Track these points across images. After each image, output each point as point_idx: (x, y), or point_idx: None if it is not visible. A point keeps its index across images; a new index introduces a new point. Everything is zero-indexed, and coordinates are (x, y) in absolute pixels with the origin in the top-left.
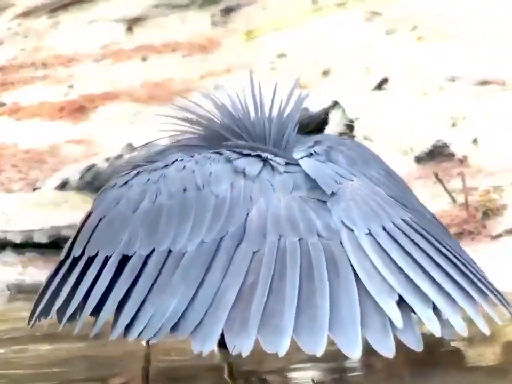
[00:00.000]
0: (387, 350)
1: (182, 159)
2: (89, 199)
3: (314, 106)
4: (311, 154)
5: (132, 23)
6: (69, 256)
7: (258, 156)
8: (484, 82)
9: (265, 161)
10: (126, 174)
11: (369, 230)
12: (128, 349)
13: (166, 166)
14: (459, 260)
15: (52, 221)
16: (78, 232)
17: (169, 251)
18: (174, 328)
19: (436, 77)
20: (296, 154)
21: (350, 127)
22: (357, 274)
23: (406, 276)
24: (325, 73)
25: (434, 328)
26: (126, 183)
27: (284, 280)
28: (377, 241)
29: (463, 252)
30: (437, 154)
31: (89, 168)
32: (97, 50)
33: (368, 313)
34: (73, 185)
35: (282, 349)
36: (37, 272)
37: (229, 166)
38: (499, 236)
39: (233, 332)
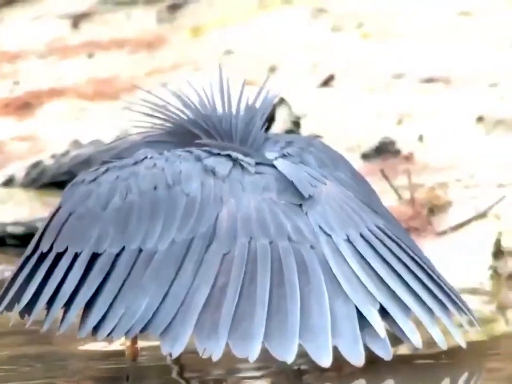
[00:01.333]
0: (357, 358)
1: (152, 157)
2: (35, 196)
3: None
4: (285, 155)
5: (78, 19)
6: (36, 251)
7: (228, 156)
8: (429, 80)
9: (235, 161)
10: (94, 170)
11: (348, 237)
12: (74, 347)
13: (136, 163)
14: (429, 269)
15: None
16: (46, 226)
17: (140, 250)
18: (144, 328)
19: (382, 74)
20: (269, 155)
21: (296, 124)
22: (327, 281)
23: (386, 285)
24: (272, 70)
25: (415, 339)
26: (95, 179)
27: (255, 283)
28: (355, 248)
29: (427, 258)
30: (384, 151)
31: (35, 165)
32: (43, 47)
33: (338, 321)
34: (18, 182)
35: (253, 354)
36: None
37: (199, 165)
38: (444, 232)
39: (203, 335)
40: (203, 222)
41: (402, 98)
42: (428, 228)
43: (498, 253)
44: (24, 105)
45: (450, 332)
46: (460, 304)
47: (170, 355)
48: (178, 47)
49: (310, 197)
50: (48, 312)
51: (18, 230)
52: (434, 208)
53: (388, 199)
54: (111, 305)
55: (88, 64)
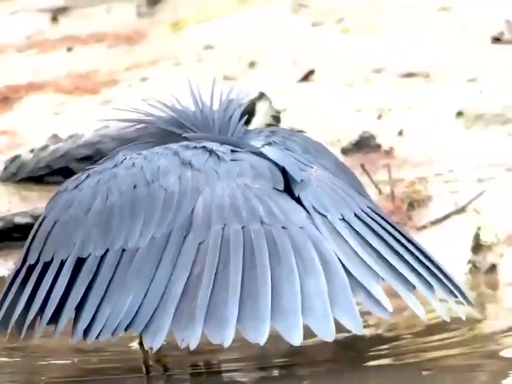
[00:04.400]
0: (328, 335)
1: (131, 157)
2: (13, 190)
3: (241, 97)
4: (270, 143)
5: (57, 13)
6: (24, 264)
7: (204, 147)
8: (409, 74)
9: (211, 151)
10: (76, 177)
11: (342, 216)
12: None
13: (115, 165)
14: (421, 247)
15: None
16: (32, 239)
17: (123, 250)
18: (128, 326)
19: (362, 68)
20: (256, 143)
21: (276, 118)
22: (298, 260)
23: (385, 261)
24: (252, 64)
25: (420, 312)
26: (77, 186)
27: (228, 270)
28: (352, 227)
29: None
30: (364, 145)
31: (14, 159)
32: (22, 41)
33: (309, 300)
34: None
35: (227, 340)
36: None
37: (176, 159)
38: (424, 227)
39: (181, 325)
40: (181, 215)
41: (382, 93)
42: (408, 222)
43: (477, 247)
44: (2, 100)
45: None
46: (455, 282)
47: (151, 349)
48: (158, 42)
49: (302, 180)
50: (39, 322)
51: None
52: (414, 203)
53: (368, 194)
54: (98, 307)
55: (67, 58)
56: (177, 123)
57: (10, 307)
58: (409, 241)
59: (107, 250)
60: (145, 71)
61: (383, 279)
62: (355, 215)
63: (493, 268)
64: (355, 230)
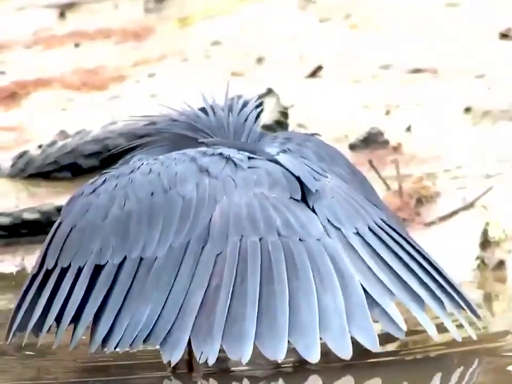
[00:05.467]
0: (345, 351)
1: (148, 163)
2: (21, 186)
3: (249, 93)
4: (285, 150)
5: (64, 9)
6: (41, 268)
7: (221, 154)
8: (417, 70)
9: (228, 158)
10: (93, 181)
11: (357, 230)
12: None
13: (132, 171)
14: (433, 262)
15: None
16: (49, 243)
17: (141, 258)
18: (147, 337)
19: (370, 64)
20: (271, 150)
21: (284, 114)
22: (315, 275)
23: (398, 277)
24: (259, 60)
25: (431, 330)
26: (94, 191)
27: (245, 283)
28: (365, 241)
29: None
30: (371, 141)
31: (22, 155)
32: (29, 37)
33: (326, 316)
34: (5, 173)
35: (246, 356)
36: None
37: (193, 166)
38: (432, 223)
39: (199, 339)
40: (198, 224)
41: (390, 89)
42: (416, 218)
43: (486, 243)
44: (10, 96)
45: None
46: (464, 295)
47: (169, 363)
48: (166, 38)
49: (317, 191)
50: (57, 329)
51: (5, 220)
52: (422, 199)
53: (376, 190)
54: (116, 316)
55: (74, 54)
56: (191, 127)
57: (28, 311)
58: (419, 253)
59: (125, 258)
60: (153, 67)
61: (395, 295)
62: (369, 228)
63: (501, 263)
64: (368, 244)
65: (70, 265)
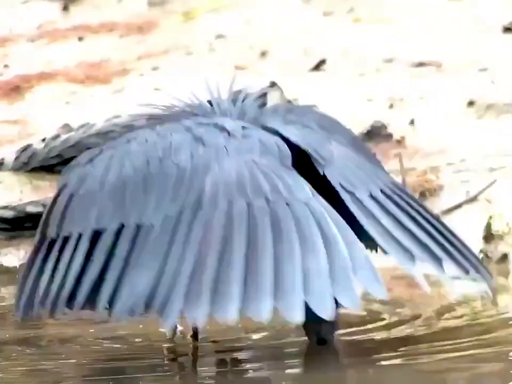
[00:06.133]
0: (326, 312)
1: (144, 133)
2: (25, 179)
3: (253, 87)
4: (287, 122)
5: (68, 2)
6: (43, 242)
7: (216, 124)
8: (421, 64)
9: (222, 128)
10: (88, 153)
11: (370, 193)
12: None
13: (129, 141)
14: (446, 225)
15: None
16: (49, 213)
17: (138, 226)
18: (147, 304)
19: (373, 58)
20: (273, 123)
21: None
22: (300, 238)
23: (417, 239)
24: (263, 54)
25: (452, 288)
26: (91, 160)
27: (231, 247)
28: (381, 203)
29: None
30: (375, 135)
31: (25, 148)
32: (33, 30)
33: (309, 278)
34: (8, 166)
35: (231, 318)
36: None
37: (188, 135)
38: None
39: (189, 303)
40: (191, 192)
41: (393, 82)
42: None
43: (489, 236)
44: (14, 89)
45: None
46: (476, 256)
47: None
48: (170, 31)
49: (325, 159)
50: (57, 299)
51: (8, 214)
52: (426, 192)
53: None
54: (117, 285)
55: (78, 48)
56: (195, 114)
57: (34, 285)
58: (432, 216)
59: (122, 225)
60: (157, 61)
61: (417, 256)
62: (381, 191)
63: (504, 257)
64: (383, 206)
65: (71, 234)
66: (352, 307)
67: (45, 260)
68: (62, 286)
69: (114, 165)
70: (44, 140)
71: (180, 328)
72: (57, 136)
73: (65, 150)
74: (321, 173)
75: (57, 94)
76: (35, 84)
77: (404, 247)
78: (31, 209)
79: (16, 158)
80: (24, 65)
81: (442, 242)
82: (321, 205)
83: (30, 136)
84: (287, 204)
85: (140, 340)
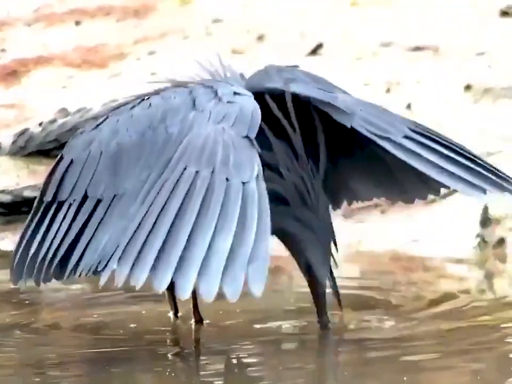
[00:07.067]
0: (209, 295)
1: (149, 97)
2: (22, 164)
3: (250, 71)
4: (290, 80)
5: None
6: (41, 204)
7: (212, 87)
8: (417, 48)
9: (216, 92)
10: (95, 119)
11: (404, 133)
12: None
13: (133, 106)
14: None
15: None
16: (49, 177)
17: (125, 192)
18: (106, 263)
19: (370, 42)
20: (275, 84)
21: None
22: (220, 216)
23: (460, 164)
24: (260, 38)
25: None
26: (96, 126)
27: (165, 213)
28: (419, 142)
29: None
30: None
31: (22, 132)
32: (30, 14)
33: (209, 258)
34: (5, 150)
35: (137, 283)
36: None
37: (188, 99)
38: (433, 201)
39: (123, 264)
40: (165, 156)
41: (390, 66)
42: None
43: (486, 221)
44: (11, 73)
45: None
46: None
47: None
48: (166, 15)
49: (345, 110)
50: (45, 263)
51: (6, 198)
52: None
53: None
54: (86, 246)
55: (75, 32)
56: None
57: (25, 249)
58: (463, 149)
59: (114, 195)
60: (154, 45)
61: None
62: (410, 129)
63: (501, 241)
64: (423, 144)
65: (66, 199)
66: (230, 297)
67: (38, 224)
68: (47, 251)
69: (121, 129)
70: (41, 124)
71: (179, 313)
72: (54, 121)
73: (62, 134)
74: (349, 126)
75: (54, 78)
76: (32, 68)
77: (451, 173)
78: (28, 193)
79: (13, 142)
80: (21, 49)
81: (475, 167)
82: (258, 189)
83: (27, 120)
84: (226, 179)
85: (135, 325)
